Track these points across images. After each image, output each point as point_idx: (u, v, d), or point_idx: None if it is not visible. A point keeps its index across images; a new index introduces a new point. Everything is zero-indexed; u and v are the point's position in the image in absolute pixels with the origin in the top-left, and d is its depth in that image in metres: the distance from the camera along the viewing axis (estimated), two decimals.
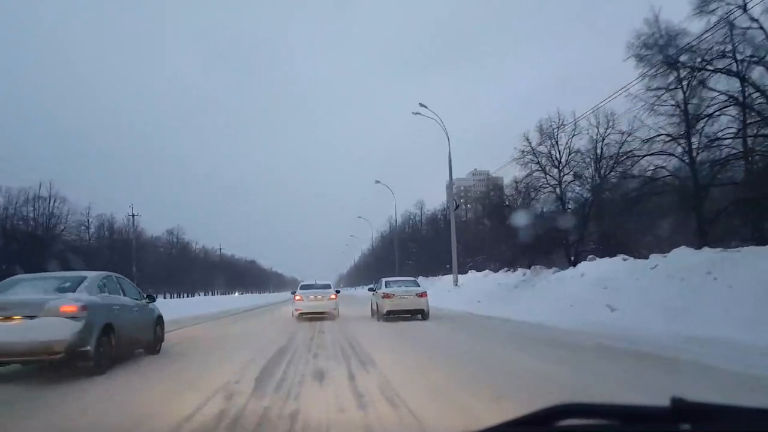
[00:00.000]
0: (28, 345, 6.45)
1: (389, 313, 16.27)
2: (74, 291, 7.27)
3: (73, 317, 6.79)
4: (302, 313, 18.39)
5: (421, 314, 16.46)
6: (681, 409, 1.00)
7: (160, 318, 10.06)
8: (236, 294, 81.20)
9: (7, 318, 6.59)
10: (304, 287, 19.91)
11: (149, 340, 9.38)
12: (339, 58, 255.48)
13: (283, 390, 5.86)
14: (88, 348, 6.86)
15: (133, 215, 51.98)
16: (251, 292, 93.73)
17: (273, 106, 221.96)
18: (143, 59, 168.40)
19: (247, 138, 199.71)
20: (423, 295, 16.55)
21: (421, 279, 25.03)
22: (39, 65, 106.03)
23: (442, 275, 37.23)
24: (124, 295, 8.75)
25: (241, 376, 6.78)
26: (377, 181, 46.60)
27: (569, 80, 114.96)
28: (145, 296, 9.74)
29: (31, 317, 6.60)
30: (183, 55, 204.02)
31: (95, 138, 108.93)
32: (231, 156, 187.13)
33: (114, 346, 7.61)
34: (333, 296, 19.21)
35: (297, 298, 19.15)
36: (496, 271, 29.72)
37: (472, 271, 33.48)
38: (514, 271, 24.97)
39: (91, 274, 8.11)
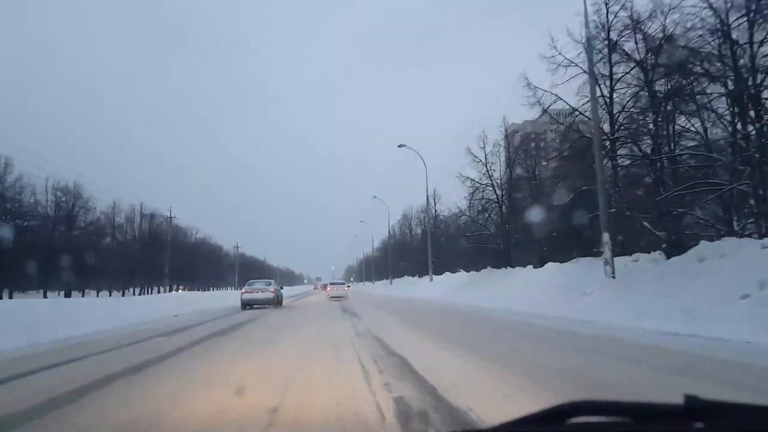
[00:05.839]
0: (265, 300, 24.32)
1: None
2: (270, 284, 25.32)
3: (272, 292, 24.66)
4: (330, 296, 35.97)
5: None
6: (694, 407, 1.00)
7: (282, 295, 27.82)
8: None
9: (258, 292, 24.55)
10: (332, 283, 37.81)
11: (281, 301, 27.01)
12: (339, 56, 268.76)
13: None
14: (276, 301, 24.72)
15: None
16: None
17: (248, 103, 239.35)
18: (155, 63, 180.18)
19: (247, 137, 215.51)
20: None
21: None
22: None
23: None
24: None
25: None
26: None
27: None
28: (279, 286, 27.70)
29: (263, 292, 24.53)
30: (192, 60, 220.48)
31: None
32: (229, 155, 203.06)
33: (278, 302, 25.38)
34: (346, 288, 37.06)
35: (328, 289, 37.02)
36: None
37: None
38: None
39: (271, 280, 26.29)
